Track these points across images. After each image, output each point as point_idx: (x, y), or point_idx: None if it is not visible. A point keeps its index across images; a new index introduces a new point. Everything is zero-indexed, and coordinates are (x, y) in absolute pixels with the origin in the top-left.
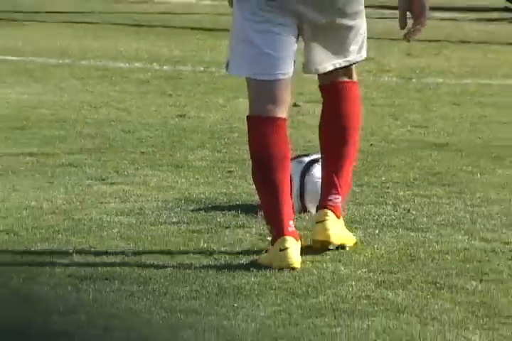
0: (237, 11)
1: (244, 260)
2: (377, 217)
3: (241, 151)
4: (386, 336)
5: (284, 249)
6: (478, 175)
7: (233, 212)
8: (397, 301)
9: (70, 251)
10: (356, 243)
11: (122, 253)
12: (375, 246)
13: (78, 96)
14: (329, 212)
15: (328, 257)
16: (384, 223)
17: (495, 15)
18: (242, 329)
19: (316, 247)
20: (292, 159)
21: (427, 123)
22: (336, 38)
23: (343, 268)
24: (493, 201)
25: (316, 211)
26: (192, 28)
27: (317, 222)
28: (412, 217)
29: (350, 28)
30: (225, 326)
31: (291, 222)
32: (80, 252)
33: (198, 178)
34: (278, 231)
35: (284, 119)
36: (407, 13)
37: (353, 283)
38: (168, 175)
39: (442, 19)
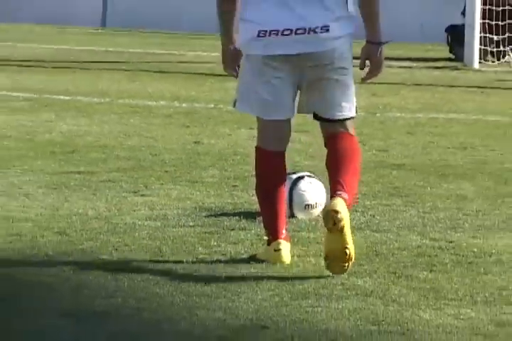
0: (245, 62)
1: (245, 255)
2: (349, 221)
3: (243, 170)
4: (356, 314)
5: (278, 250)
6: (428, 188)
7: (237, 217)
8: (365, 287)
9: (110, 248)
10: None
11: (150, 250)
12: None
13: (116, 127)
14: (341, 199)
15: (311, 253)
16: (354, 226)
17: (441, 63)
18: (244, 309)
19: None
20: None
21: (388, 148)
22: (328, 91)
23: (323, 262)
24: (440, 209)
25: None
26: (205, 74)
27: (331, 202)
28: (377, 221)
29: (340, 82)
30: (231, 307)
31: (284, 229)
32: (117, 249)
33: (209, 191)
34: (273, 236)
35: (283, 152)
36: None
37: (331, 273)
38: (186, 189)
39: (400, 67)
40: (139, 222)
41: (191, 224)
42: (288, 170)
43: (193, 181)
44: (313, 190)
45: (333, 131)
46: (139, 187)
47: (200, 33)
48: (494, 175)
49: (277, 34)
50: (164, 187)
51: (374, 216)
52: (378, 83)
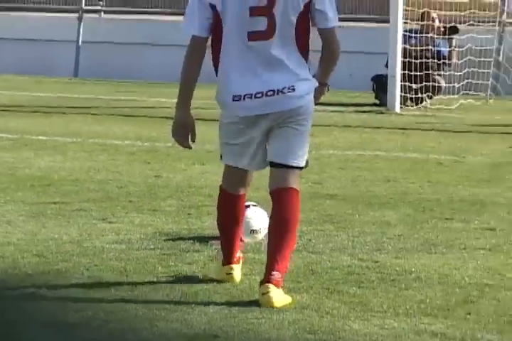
0: (221, 121)
1: (199, 274)
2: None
3: (197, 200)
4: (295, 325)
5: (229, 273)
6: (357, 215)
7: (191, 241)
8: (303, 301)
9: (81, 268)
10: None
11: (116, 269)
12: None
13: (86, 163)
14: (271, 285)
15: (256, 271)
16: (294, 248)
17: (367, 108)
18: (198, 321)
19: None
20: None
21: (322, 181)
22: (286, 138)
23: None
24: (367, 233)
25: (261, 284)
26: (164, 117)
27: (263, 294)
28: (312, 244)
29: (299, 131)
30: (186, 318)
31: (237, 254)
32: (88, 269)
33: (167, 218)
34: (227, 260)
35: (243, 195)
36: None
37: None
38: (147, 217)
39: (332, 111)
40: (107, 246)
41: (152, 247)
42: None
43: (154, 210)
44: (257, 218)
45: (281, 184)
46: (106, 216)
47: (159, 81)
48: (414, 204)
49: (251, 97)
50: (129, 215)
51: (310, 239)
52: (313, 125)
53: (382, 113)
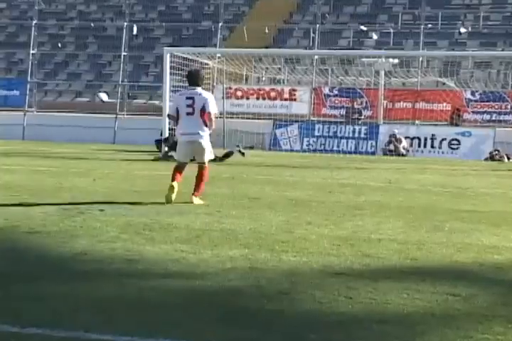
0: (178, 142)
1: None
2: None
3: None
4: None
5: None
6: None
7: None
8: None
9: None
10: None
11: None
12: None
13: None
14: (194, 197)
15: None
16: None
17: None
18: None
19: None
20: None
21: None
22: (200, 151)
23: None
24: None
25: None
26: None
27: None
28: None
29: (206, 148)
30: None
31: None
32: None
33: None
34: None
35: (184, 166)
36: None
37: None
38: None
39: None
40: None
41: None
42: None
43: None
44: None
45: (199, 165)
46: None
47: None
48: None
49: (187, 134)
50: None
51: None
52: None
53: None
